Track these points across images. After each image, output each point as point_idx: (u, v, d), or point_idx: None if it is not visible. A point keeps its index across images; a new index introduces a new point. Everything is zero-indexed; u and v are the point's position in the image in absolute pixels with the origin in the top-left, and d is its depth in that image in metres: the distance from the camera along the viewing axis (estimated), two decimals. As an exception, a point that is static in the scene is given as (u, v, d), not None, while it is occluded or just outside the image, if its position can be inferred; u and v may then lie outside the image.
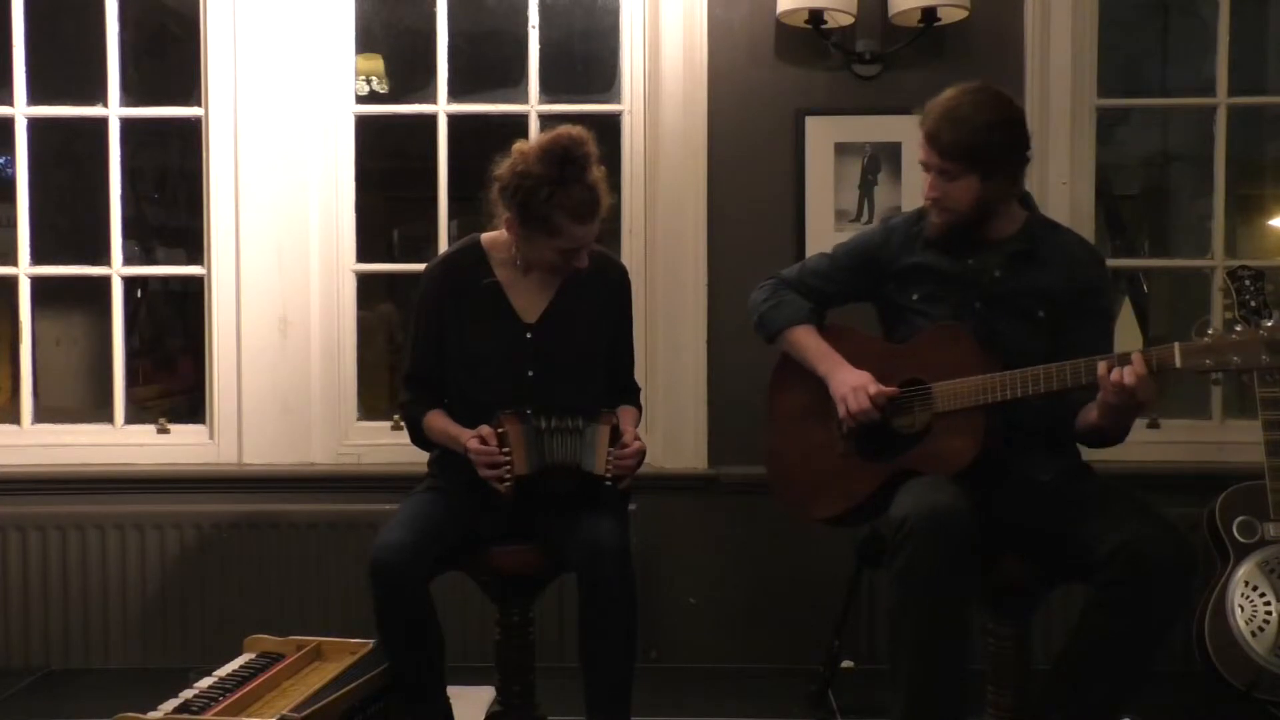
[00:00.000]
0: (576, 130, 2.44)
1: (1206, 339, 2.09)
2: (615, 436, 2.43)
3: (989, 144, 2.32)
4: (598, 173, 2.44)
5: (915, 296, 2.48)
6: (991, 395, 2.27)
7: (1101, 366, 2.16)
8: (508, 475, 2.38)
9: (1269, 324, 2.05)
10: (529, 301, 2.54)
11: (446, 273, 2.57)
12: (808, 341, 2.56)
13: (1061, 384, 2.22)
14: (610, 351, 2.61)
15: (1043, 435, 2.40)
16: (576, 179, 2.39)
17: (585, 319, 2.55)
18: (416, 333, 2.61)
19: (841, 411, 2.43)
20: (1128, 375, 2.11)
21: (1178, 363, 2.11)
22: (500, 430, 2.39)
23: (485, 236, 2.60)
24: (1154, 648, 2.16)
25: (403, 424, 2.67)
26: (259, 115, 3.40)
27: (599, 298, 2.57)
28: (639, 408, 2.69)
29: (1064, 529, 2.25)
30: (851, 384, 2.41)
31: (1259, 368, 2.06)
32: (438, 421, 2.54)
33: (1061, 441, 2.45)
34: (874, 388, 2.39)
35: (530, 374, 2.50)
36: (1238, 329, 2.09)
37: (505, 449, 2.38)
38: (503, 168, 2.44)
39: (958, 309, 2.42)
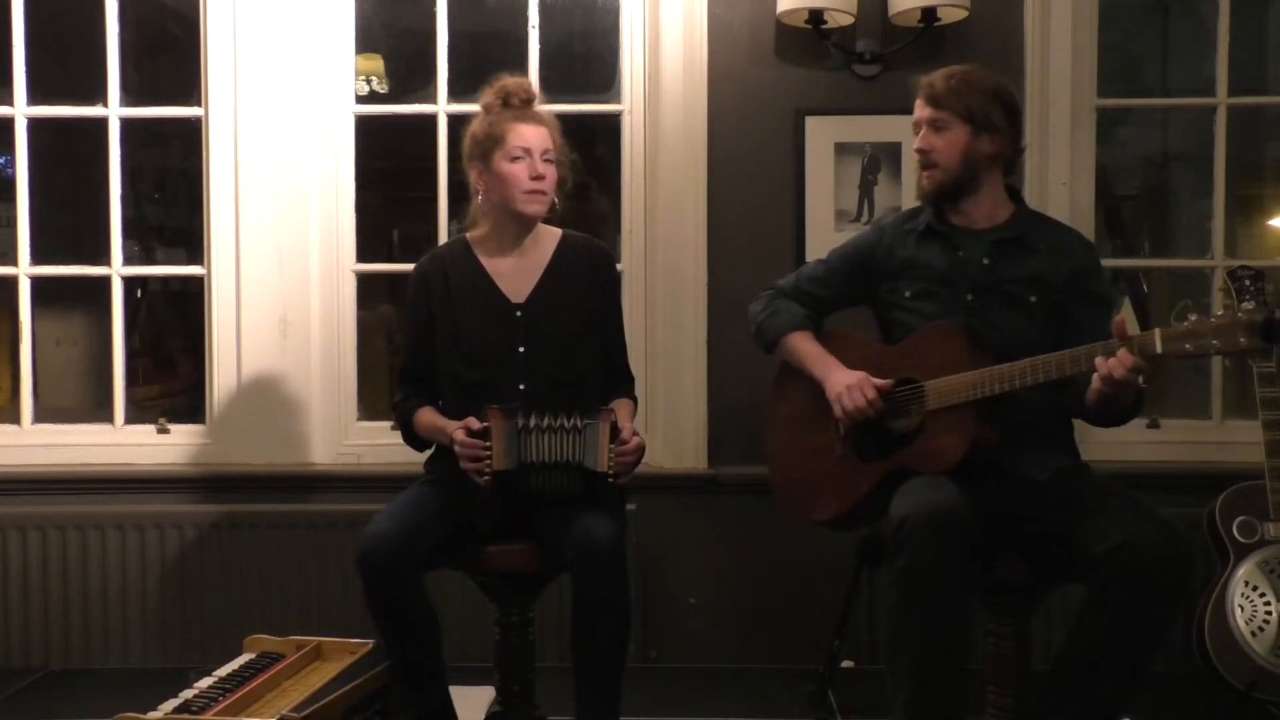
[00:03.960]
0: (520, 77, 2.65)
1: (1186, 324, 2.08)
2: (614, 433, 2.44)
3: (980, 97, 2.42)
4: (546, 111, 2.63)
5: (907, 294, 2.50)
6: (982, 390, 2.27)
7: (1076, 360, 2.17)
8: (487, 470, 2.39)
9: (1249, 306, 2.03)
10: (516, 284, 2.59)
11: (433, 268, 2.62)
12: (803, 346, 2.58)
13: (1048, 376, 2.21)
14: (601, 332, 2.63)
15: (1040, 434, 2.40)
16: (523, 101, 2.58)
17: (572, 296, 2.59)
18: (407, 331, 2.67)
19: (838, 411, 2.44)
20: (1115, 368, 2.11)
21: (1158, 348, 2.09)
22: (485, 425, 2.40)
23: (470, 234, 2.67)
24: (1152, 647, 2.17)
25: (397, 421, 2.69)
26: (259, 115, 3.40)
27: (584, 277, 2.62)
28: (634, 399, 2.71)
29: (1060, 528, 2.25)
30: (846, 382, 2.43)
31: (1237, 351, 2.04)
32: (427, 417, 2.57)
33: (1060, 439, 2.45)
34: (869, 385, 2.41)
35: (521, 350, 2.53)
36: (1217, 313, 2.08)
37: (487, 443, 2.39)
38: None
39: (950, 303, 2.44)
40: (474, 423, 2.42)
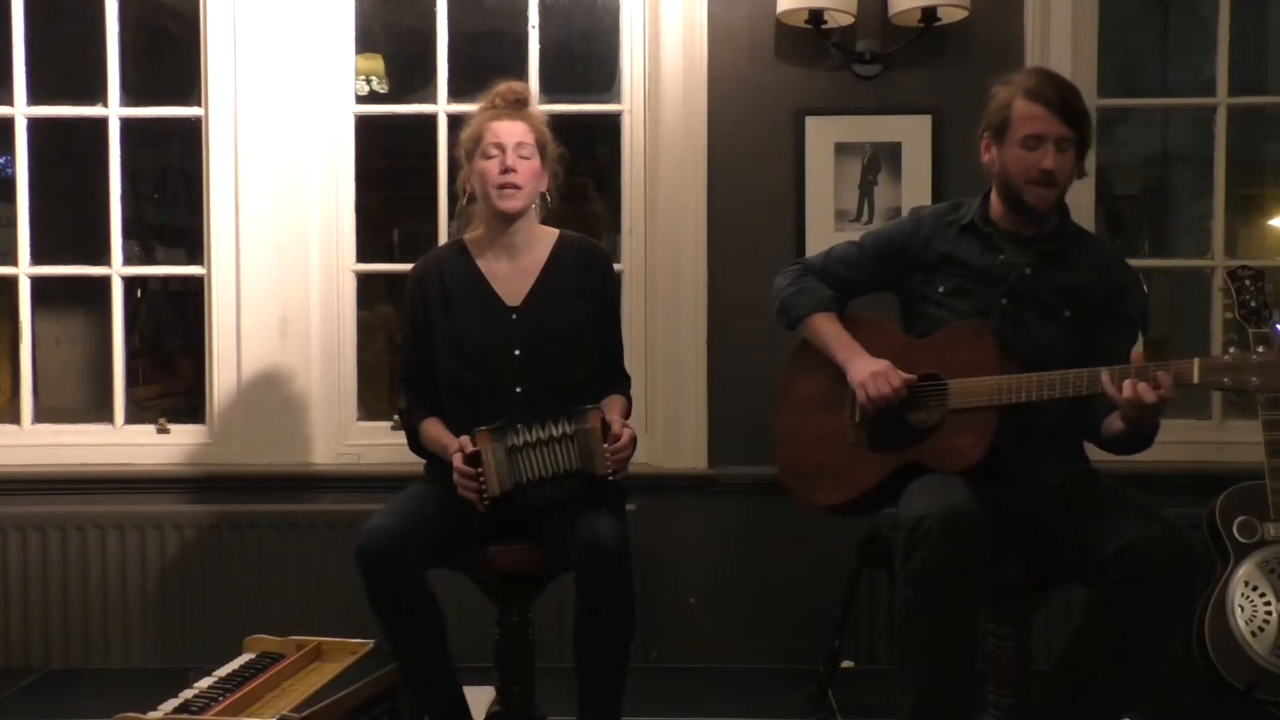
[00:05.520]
0: (512, 81, 2.64)
1: (1227, 357, 2.06)
2: (605, 431, 2.42)
3: (1089, 119, 2.36)
4: (536, 109, 2.63)
5: (942, 289, 2.46)
6: (1007, 396, 2.26)
7: (1109, 379, 2.15)
8: (485, 499, 2.39)
9: None
10: (512, 287, 2.58)
11: (428, 271, 2.62)
12: (828, 329, 2.54)
13: (1078, 391, 2.20)
14: (597, 333, 2.62)
15: (1056, 439, 2.39)
16: (508, 102, 2.57)
17: (568, 298, 2.58)
18: (406, 334, 2.66)
19: (861, 397, 2.40)
20: (1146, 393, 2.09)
21: (1195, 379, 2.09)
22: (477, 449, 2.39)
23: (467, 236, 2.66)
24: (1157, 649, 2.16)
25: (401, 428, 2.69)
26: (259, 115, 3.40)
27: (580, 278, 2.60)
28: (629, 398, 2.68)
29: (1068, 530, 2.25)
30: (871, 370, 2.40)
31: (1278, 390, 2.03)
32: (432, 430, 2.56)
33: (1072, 444, 2.44)
34: (895, 375, 2.38)
35: (517, 353, 2.52)
36: (1260, 349, 2.06)
37: (480, 469, 2.38)
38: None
39: (984, 304, 2.41)
40: (468, 445, 2.40)
